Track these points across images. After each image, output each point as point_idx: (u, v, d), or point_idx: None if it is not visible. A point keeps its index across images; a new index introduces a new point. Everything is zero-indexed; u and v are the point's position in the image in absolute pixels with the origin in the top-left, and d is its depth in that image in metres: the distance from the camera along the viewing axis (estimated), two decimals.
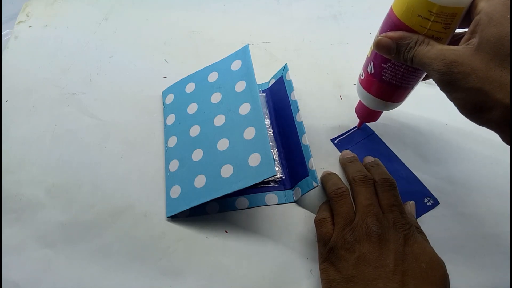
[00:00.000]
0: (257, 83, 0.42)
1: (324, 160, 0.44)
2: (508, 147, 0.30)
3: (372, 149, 0.45)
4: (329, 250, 0.35)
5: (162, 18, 0.57)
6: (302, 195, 0.40)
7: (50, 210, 0.40)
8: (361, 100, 0.41)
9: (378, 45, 0.33)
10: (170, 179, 0.42)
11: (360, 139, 0.46)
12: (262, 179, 0.36)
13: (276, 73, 0.49)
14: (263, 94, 0.49)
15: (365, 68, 0.38)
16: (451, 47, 0.29)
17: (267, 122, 0.46)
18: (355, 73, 0.51)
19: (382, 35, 0.33)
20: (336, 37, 0.56)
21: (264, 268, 0.38)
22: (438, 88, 0.31)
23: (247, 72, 0.42)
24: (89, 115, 0.47)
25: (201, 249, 0.39)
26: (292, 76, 0.47)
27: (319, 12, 0.59)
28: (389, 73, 0.36)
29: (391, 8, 0.33)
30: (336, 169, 0.44)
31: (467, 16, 0.30)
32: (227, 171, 0.38)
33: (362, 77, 0.39)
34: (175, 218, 0.40)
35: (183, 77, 0.48)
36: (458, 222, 0.41)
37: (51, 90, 0.49)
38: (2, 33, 0.56)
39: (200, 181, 0.39)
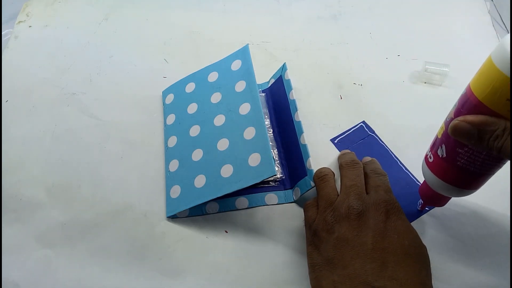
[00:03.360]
0: (257, 83, 0.42)
1: (324, 160, 0.44)
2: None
3: (371, 149, 0.45)
4: (313, 233, 0.35)
5: (162, 18, 0.57)
6: (301, 195, 0.40)
7: (50, 210, 0.40)
8: (429, 185, 0.35)
9: (456, 131, 0.28)
10: (170, 179, 0.42)
11: (359, 139, 0.46)
12: (262, 179, 0.36)
13: (276, 72, 0.49)
14: (263, 94, 0.49)
15: (435, 150, 0.33)
16: None
17: (267, 122, 0.46)
18: (355, 73, 0.52)
19: (459, 118, 0.28)
20: (336, 37, 0.56)
21: (264, 268, 0.38)
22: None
23: (247, 72, 0.42)
24: (89, 115, 0.47)
25: (201, 249, 0.39)
26: (292, 76, 0.47)
27: (319, 12, 0.59)
28: (466, 159, 0.30)
29: (469, 87, 0.28)
30: (334, 169, 0.44)
31: None
32: (227, 171, 0.38)
33: (431, 160, 0.33)
34: (175, 218, 0.40)
35: (183, 77, 0.48)
36: (458, 222, 0.41)
37: (51, 90, 0.49)
38: (2, 33, 0.56)
39: (200, 181, 0.39)
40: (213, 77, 0.45)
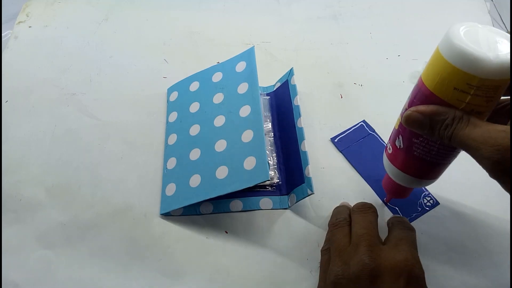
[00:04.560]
0: (260, 84, 0.42)
1: (324, 159, 0.44)
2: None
3: (371, 148, 0.45)
4: (324, 280, 0.34)
5: (162, 18, 0.57)
6: (296, 202, 0.40)
7: (50, 210, 0.40)
8: (390, 175, 0.36)
9: (408, 121, 0.29)
10: (167, 176, 0.42)
11: (359, 138, 0.46)
12: (255, 183, 0.36)
13: (282, 76, 0.49)
14: (268, 97, 0.49)
15: (392, 142, 0.33)
16: (499, 127, 0.25)
17: (269, 125, 0.46)
18: (355, 73, 0.52)
19: (412, 109, 0.28)
20: (336, 37, 0.56)
21: (264, 269, 0.38)
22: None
23: (250, 74, 0.42)
24: (89, 115, 0.47)
25: (201, 249, 0.39)
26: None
27: (319, 12, 0.59)
28: (422, 149, 0.31)
29: (420, 79, 0.29)
30: (334, 169, 0.44)
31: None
32: (222, 172, 0.38)
33: (390, 151, 0.34)
34: (168, 215, 0.40)
35: (183, 77, 0.48)
36: (458, 222, 0.40)
37: (51, 90, 0.49)
38: (2, 33, 0.56)
39: (195, 180, 0.39)
40: (217, 77, 0.45)
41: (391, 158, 0.34)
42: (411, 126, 0.29)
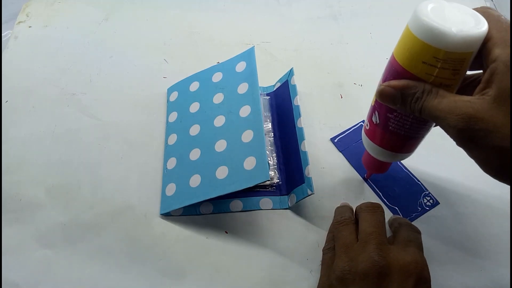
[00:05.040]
0: (260, 84, 0.42)
1: (324, 159, 0.44)
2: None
3: None
4: (327, 277, 0.34)
5: (162, 18, 0.57)
6: (296, 202, 0.40)
7: (50, 210, 0.40)
8: (368, 151, 0.37)
9: (382, 95, 0.30)
10: (167, 176, 0.42)
11: (359, 139, 0.46)
12: (255, 183, 0.36)
13: (282, 76, 0.49)
14: (268, 97, 0.49)
15: (369, 118, 0.35)
16: (465, 97, 0.27)
17: (269, 126, 0.46)
18: (355, 73, 0.52)
19: (384, 84, 0.30)
20: (336, 37, 0.56)
21: (264, 269, 0.38)
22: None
23: (250, 74, 0.42)
24: (89, 115, 0.47)
25: (201, 249, 0.39)
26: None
27: (319, 12, 0.59)
28: (396, 123, 0.32)
29: (392, 55, 0.30)
30: (334, 169, 0.44)
31: (477, 59, 0.27)
32: (222, 172, 0.38)
33: (368, 127, 0.35)
34: (168, 215, 0.40)
35: (183, 77, 0.48)
36: (458, 222, 0.41)
37: (51, 90, 0.49)
38: (2, 33, 0.56)
39: (195, 180, 0.39)
40: (217, 77, 0.45)
41: (369, 134, 0.36)
42: (384, 100, 0.30)
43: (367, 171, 0.42)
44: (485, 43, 0.26)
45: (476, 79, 0.30)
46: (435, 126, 0.33)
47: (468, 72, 0.29)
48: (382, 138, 0.34)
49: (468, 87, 0.29)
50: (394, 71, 0.29)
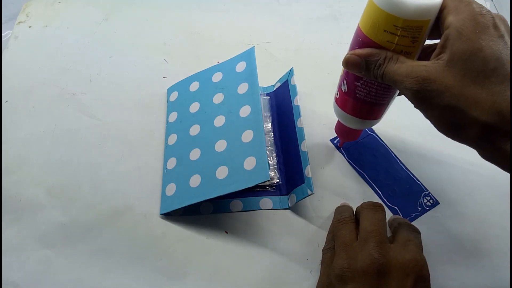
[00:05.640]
0: (260, 84, 0.42)
1: (324, 160, 0.44)
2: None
3: (371, 149, 0.45)
4: (327, 275, 0.34)
5: (162, 18, 0.57)
6: (296, 202, 0.40)
7: (50, 210, 0.40)
8: (339, 119, 0.40)
9: (348, 63, 0.32)
10: (167, 176, 0.42)
11: (360, 139, 0.46)
12: (256, 183, 0.36)
13: (282, 76, 0.49)
14: (268, 97, 0.49)
15: (339, 87, 0.37)
16: (422, 62, 0.29)
17: (269, 126, 0.46)
18: None
19: (350, 52, 0.32)
20: (336, 37, 0.56)
21: (264, 269, 0.38)
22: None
23: (250, 74, 0.42)
24: (89, 115, 0.47)
25: (201, 249, 0.39)
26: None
27: (319, 12, 0.59)
28: (363, 91, 0.34)
29: (358, 25, 0.32)
30: (334, 169, 0.44)
31: (437, 28, 0.29)
32: (222, 172, 0.38)
33: (337, 96, 0.38)
34: (168, 215, 0.40)
35: (183, 77, 0.48)
36: (458, 222, 0.41)
37: (51, 90, 0.49)
38: (2, 33, 0.56)
39: (195, 180, 0.39)
40: (217, 77, 0.45)
41: (339, 102, 0.38)
42: (350, 68, 0.32)
43: (340, 139, 0.44)
44: (441, 11, 0.28)
45: (432, 48, 0.31)
46: (399, 94, 0.36)
47: (430, 42, 0.31)
48: (351, 106, 0.36)
49: (429, 55, 0.31)
50: (360, 40, 0.31)
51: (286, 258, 0.38)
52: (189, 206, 0.39)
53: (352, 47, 0.33)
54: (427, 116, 0.30)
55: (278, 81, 0.50)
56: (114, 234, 0.39)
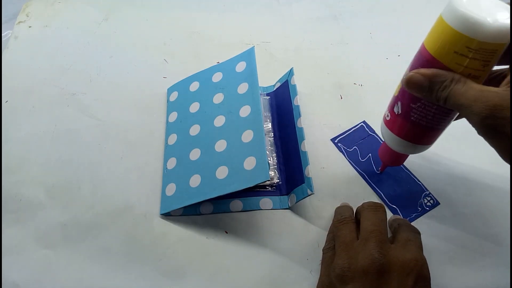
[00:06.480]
0: (260, 84, 0.42)
1: (324, 159, 0.44)
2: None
3: (372, 149, 0.45)
4: (327, 276, 0.34)
5: (162, 18, 0.57)
6: (296, 202, 0.40)
7: (50, 210, 0.40)
8: (387, 142, 0.37)
9: (409, 82, 0.30)
10: (167, 176, 0.42)
11: (360, 139, 0.46)
12: (256, 183, 0.36)
13: (282, 76, 0.49)
14: (268, 97, 0.49)
15: (391, 108, 0.35)
16: (492, 88, 0.27)
17: (269, 125, 0.46)
18: (355, 73, 0.52)
19: (414, 71, 0.30)
20: (336, 37, 0.56)
21: (265, 269, 0.38)
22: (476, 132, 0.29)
23: (250, 74, 0.42)
24: (89, 115, 0.47)
25: (201, 249, 0.39)
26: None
27: (319, 12, 0.59)
28: (419, 114, 0.33)
29: (422, 44, 0.30)
30: (334, 169, 0.44)
31: (506, 53, 0.28)
32: (222, 172, 0.38)
33: (388, 118, 0.36)
34: (168, 215, 0.40)
35: (183, 77, 0.48)
36: (458, 222, 0.41)
37: (51, 90, 0.49)
38: (2, 33, 0.56)
39: (195, 180, 0.39)
40: (217, 77, 0.45)
41: (389, 124, 0.36)
42: (411, 87, 0.31)
43: (382, 164, 0.42)
44: None
45: (500, 74, 0.31)
46: (456, 119, 0.34)
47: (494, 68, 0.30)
48: (403, 129, 0.34)
49: (492, 81, 0.30)
50: (424, 60, 0.30)
51: (286, 258, 0.38)
52: (189, 206, 0.39)
53: (413, 67, 0.31)
54: (493, 144, 0.28)
55: (278, 81, 0.50)
56: (114, 234, 0.39)
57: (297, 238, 0.39)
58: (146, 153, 0.44)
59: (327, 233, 0.39)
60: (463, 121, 0.31)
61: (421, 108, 0.32)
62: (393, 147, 0.37)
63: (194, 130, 0.43)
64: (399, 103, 0.34)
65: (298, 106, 0.44)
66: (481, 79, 0.29)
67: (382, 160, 0.41)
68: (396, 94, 0.34)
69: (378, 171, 0.43)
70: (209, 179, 0.39)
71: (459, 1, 0.27)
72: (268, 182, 0.41)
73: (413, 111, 0.33)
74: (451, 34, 0.28)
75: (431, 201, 0.42)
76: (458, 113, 0.33)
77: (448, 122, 0.33)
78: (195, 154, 0.41)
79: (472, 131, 0.29)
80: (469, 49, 0.27)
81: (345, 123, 0.47)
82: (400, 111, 0.34)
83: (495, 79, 0.30)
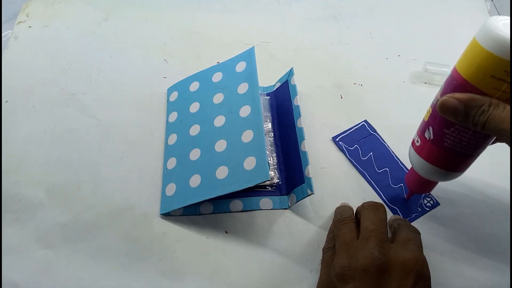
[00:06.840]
0: (260, 84, 0.42)
1: (324, 159, 0.44)
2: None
3: (372, 148, 0.45)
4: (327, 275, 0.34)
5: (162, 18, 0.57)
6: (296, 202, 0.40)
7: (50, 210, 0.40)
8: (416, 169, 0.36)
9: (443, 107, 0.29)
10: (167, 176, 0.42)
11: (360, 138, 0.46)
12: (256, 183, 0.36)
13: (282, 76, 0.49)
14: (268, 97, 0.49)
15: (421, 133, 0.34)
16: None
17: (269, 125, 0.46)
18: (355, 73, 0.52)
19: (448, 95, 0.29)
20: (336, 37, 0.56)
21: (264, 269, 0.38)
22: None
23: (250, 74, 0.42)
24: (89, 115, 0.47)
25: (201, 249, 0.39)
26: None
27: (319, 12, 0.59)
28: (453, 140, 0.31)
29: (454, 68, 0.30)
30: (334, 169, 0.44)
31: None
32: (222, 172, 0.38)
33: (418, 143, 0.34)
34: (168, 215, 0.40)
35: (183, 77, 0.48)
36: (458, 222, 0.40)
37: (51, 90, 0.49)
38: (2, 33, 0.56)
39: (195, 180, 0.39)
40: (217, 77, 0.45)
41: (419, 150, 0.34)
42: (445, 112, 0.29)
43: (408, 191, 0.40)
44: None
45: None
46: (491, 143, 0.32)
47: None
48: (435, 155, 0.33)
49: None
50: (457, 84, 0.29)
51: (286, 258, 0.38)
52: (189, 206, 0.39)
53: (446, 91, 0.30)
54: None
55: (278, 81, 0.50)
56: (114, 234, 0.39)
57: (297, 238, 0.39)
58: (146, 153, 0.44)
59: (327, 233, 0.39)
60: None
61: (455, 134, 0.31)
62: (422, 174, 0.35)
63: (194, 130, 0.43)
64: (431, 128, 0.32)
65: (298, 106, 0.44)
66: None
67: (410, 188, 0.39)
68: (426, 119, 0.33)
69: (405, 197, 0.42)
70: (209, 179, 0.39)
71: (495, 24, 0.27)
72: (268, 182, 0.41)
73: (447, 137, 0.31)
74: (488, 58, 0.27)
75: (431, 202, 0.42)
76: (493, 138, 0.32)
77: (483, 148, 0.32)
78: (195, 154, 0.41)
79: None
80: (507, 73, 0.26)
81: (345, 123, 0.47)
82: (432, 137, 0.32)
83: None
